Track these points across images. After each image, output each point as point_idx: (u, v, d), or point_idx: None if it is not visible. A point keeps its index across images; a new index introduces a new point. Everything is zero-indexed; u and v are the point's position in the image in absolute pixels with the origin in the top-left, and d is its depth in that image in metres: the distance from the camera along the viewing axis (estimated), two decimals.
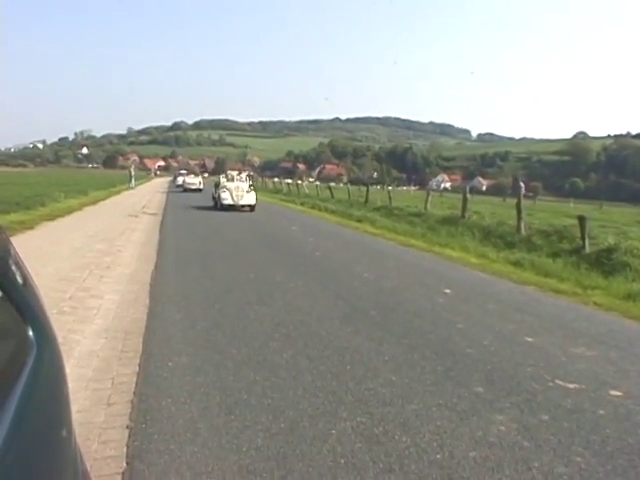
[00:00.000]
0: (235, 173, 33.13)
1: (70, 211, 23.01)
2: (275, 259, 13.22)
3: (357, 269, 11.88)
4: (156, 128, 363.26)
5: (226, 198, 28.86)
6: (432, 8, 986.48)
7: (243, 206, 28.76)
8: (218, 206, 29.13)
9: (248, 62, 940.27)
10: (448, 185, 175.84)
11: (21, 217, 17.58)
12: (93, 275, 9.98)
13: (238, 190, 29.27)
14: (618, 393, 5.30)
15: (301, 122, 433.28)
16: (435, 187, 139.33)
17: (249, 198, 29.31)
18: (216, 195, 30.67)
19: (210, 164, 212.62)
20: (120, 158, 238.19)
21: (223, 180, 31.48)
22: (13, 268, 1.56)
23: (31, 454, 1.26)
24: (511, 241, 16.37)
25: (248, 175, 34.74)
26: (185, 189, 54.68)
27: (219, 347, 6.19)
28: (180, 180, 63.67)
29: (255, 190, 31.26)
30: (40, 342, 1.54)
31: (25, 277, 1.63)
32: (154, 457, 3.76)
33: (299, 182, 65.00)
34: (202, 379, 5.21)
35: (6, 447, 1.12)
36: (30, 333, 1.51)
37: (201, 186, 55.50)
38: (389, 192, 33.74)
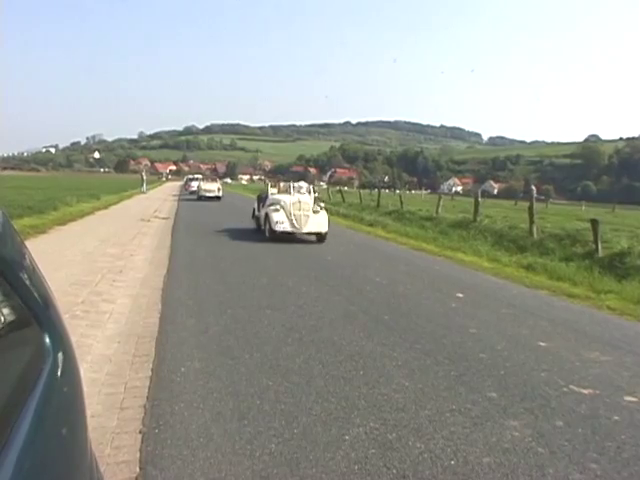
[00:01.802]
0: (291, 183, 21.01)
1: (82, 215, 23.08)
2: (285, 263, 13.21)
3: (369, 273, 11.86)
4: (167, 132, 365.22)
5: (281, 221, 17.53)
6: (442, 12, 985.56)
7: (309, 234, 17.81)
8: (267, 232, 18.05)
9: (259, 66, 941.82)
10: (459, 189, 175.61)
11: (34, 221, 17.64)
12: (105, 279, 10.00)
13: (299, 208, 17.78)
14: (633, 399, 5.25)
15: (312, 126, 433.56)
16: (446, 191, 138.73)
17: (318, 222, 17.76)
18: (261, 214, 19.53)
19: (221, 168, 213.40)
20: (131, 162, 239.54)
21: (273, 191, 20.53)
22: (28, 271, 1.56)
23: (49, 460, 1.26)
24: (523, 245, 16.31)
25: (311, 186, 22.28)
26: (200, 197, 45.39)
27: (232, 352, 6.19)
28: (194, 186, 55.02)
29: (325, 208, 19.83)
30: (56, 349, 1.54)
31: (41, 282, 1.64)
32: (167, 462, 3.75)
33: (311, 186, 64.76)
34: (215, 384, 5.20)
35: (24, 454, 1.12)
36: (47, 340, 1.52)
37: (220, 193, 47.27)
38: (400, 196, 33.68)
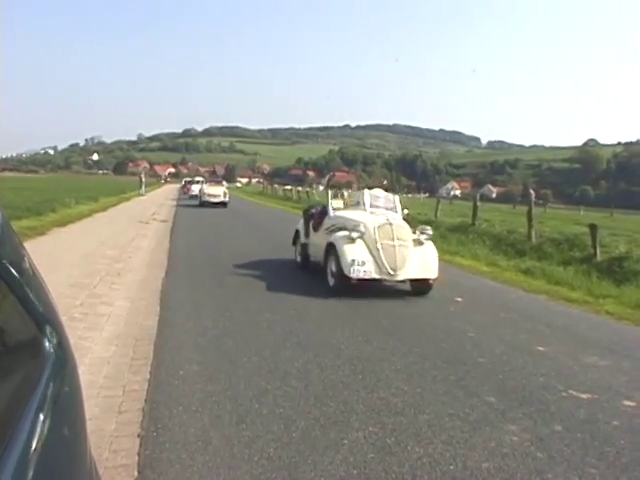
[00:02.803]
0: (365, 192, 12.27)
1: (81, 217, 23.05)
2: (284, 266, 13.18)
3: None
4: (166, 134, 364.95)
5: (360, 261, 9.87)
6: (443, 16, 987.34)
7: (413, 282, 10.39)
8: (331, 278, 10.30)
9: (257, 69, 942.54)
10: (458, 193, 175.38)
11: (32, 223, 17.61)
12: (104, 281, 10.00)
13: (391, 237, 10.11)
14: (632, 404, 5.25)
15: (311, 129, 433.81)
16: (445, 195, 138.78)
17: (423, 261, 10.26)
18: (314, 242, 12.31)
19: (220, 171, 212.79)
20: (130, 164, 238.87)
21: (336, 204, 12.54)
22: (27, 273, 1.55)
23: (49, 463, 1.25)
24: (522, 249, 16.29)
25: (396, 196, 13.18)
26: (203, 202, 38.90)
27: (230, 355, 6.18)
28: (195, 189, 49.02)
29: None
30: (54, 350, 1.54)
31: (39, 284, 1.63)
32: (165, 466, 3.74)
33: (308, 189, 64.36)
34: (213, 387, 5.20)
35: (25, 456, 1.12)
36: (45, 341, 1.51)
37: (226, 198, 39.78)
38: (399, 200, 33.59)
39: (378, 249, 9.82)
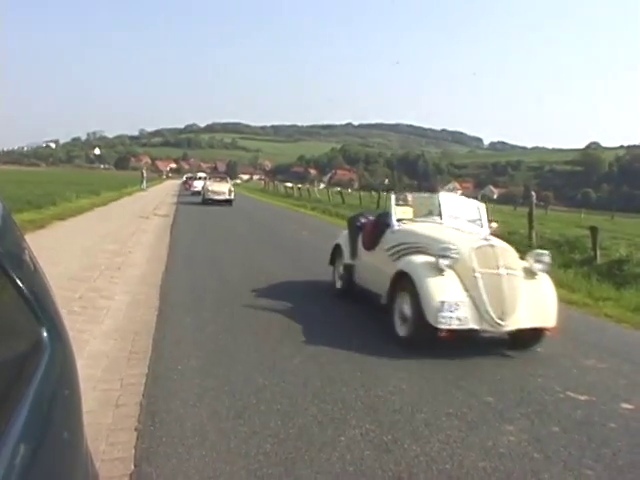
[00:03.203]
0: (441, 194, 9.21)
1: (81, 211, 23.06)
2: (284, 264, 13.18)
3: None
4: (168, 130, 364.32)
5: (454, 303, 6.38)
6: (443, 17, 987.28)
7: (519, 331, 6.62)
8: (408, 325, 6.73)
9: (261, 66, 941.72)
10: (459, 193, 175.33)
11: (33, 216, 17.61)
12: (103, 275, 10.00)
13: (495, 265, 6.69)
14: (630, 406, 5.25)
15: (313, 127, 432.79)
16: None
17: (536, 302, 6.80)
18: (382, 267, 7.89)
19: (222, 167, 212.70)
20: (132, 159, 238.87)
21: (402, 213, 8.55)
22: (27, 265, 1.55)
23: (44, 454, 1.25)
24: (522, 250, 16.25)
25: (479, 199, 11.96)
26: (206, 200, 35.91)
27: (228, 351, 6.18)
28: (198, 185, 47.16)
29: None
30: (53, 343, 1.54)
31: (39, 274, 1.63)
32: (162, 460, 3.75)
33: (309, 187, 64.23)
34: (211, 382, 5.20)
35: (19, 448, 1.12)
36: (43, 331, 1.51)
37: (232, 196, 36.89)
38: None
39: (478, 285, 6.57)
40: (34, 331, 1.49)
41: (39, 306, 1.52)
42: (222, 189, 37.19)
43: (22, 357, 1.41)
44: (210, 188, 37.34)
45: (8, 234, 1.52)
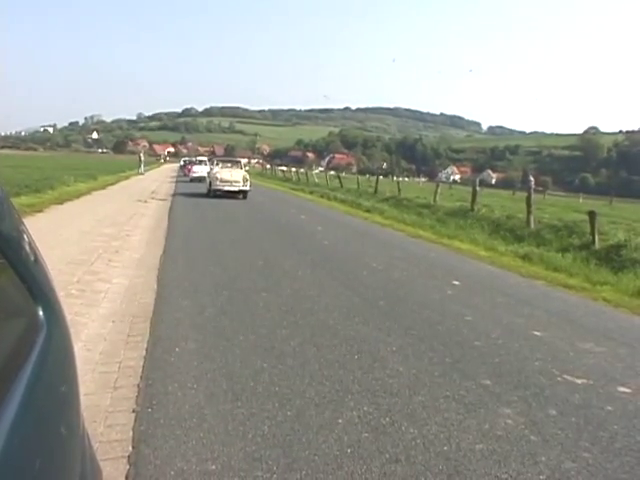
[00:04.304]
0: None
1: (79, 195, 23.04)
2: (283, 247, 13.20)
3: (365, 259, 11.85)
4: (166, 114, 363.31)
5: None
6: (443, 4, 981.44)
7: None
8: None
9: (259, 49, 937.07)
10: (457, 177, 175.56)
11: (31, 200, 17.58)
12: (101, 259, 9.99)
13: None
14: (627, 390, 5.26)
15: (311, 111, 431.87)
16: (444, 179, 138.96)
17: None
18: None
19: (219, 151, 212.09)
20: (130, 143, 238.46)
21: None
22: (26, 248, 1.54)
23: (40, 434, 1.24)
24: (520, 235, 16.30)
25: None
26: (214, 191, 27.90)
27: (226, 334, 6.18)
28: (199, 171, 41.92)
29: None
30: (50, 322, 1.53)
31: (37, 257, 1.62)
32: (160, 442, 3.75)
33: (309, 171, 64.15)
34: (209, 365, 5.20)
35: (15, 427, 1.11)
36: (40, 313, 1.50)
37: (247, 186, 28.42)
38: (398, 183, 33.64)
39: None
40: (30, 309, 1.48)
41: (36, 288, 1.51)
42: (235, 177, 28.23)
43: (18, 335, 1.40)
44: (219, 176, 28.12)
45: (7, 216, 1.51)
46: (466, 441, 3.99)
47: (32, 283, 1.48)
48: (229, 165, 31.20)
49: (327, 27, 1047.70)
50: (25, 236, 1.59)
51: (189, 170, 47.74)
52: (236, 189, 27.84)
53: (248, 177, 28.80)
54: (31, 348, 1.36)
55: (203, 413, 4.20)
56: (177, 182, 42.21)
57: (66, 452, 1.45)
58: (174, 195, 28.27)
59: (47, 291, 1.62)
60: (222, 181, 27.86)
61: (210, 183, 28.94)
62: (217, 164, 31.44)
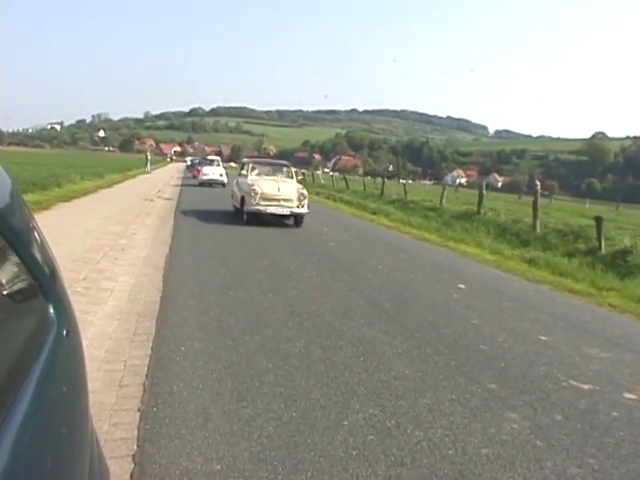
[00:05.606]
0: None
1: (85, 193, 23.06)
2: (289, 248, 13.20)
3: (371, 261, 11.84)
4: (173, 113, 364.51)
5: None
6: (451, 4, 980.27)
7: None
8: None
9: (267, 50, 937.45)
10: (464, 181, 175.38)
11: (37, 197, 17.61)
12: (107, 257, 9.99)
13: None
14: (633, 396, 5.24)
15: (318, 112, 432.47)
16: (450, 182, 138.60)
17: None
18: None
19: (226, 151, 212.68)
20: (136, 142, 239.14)
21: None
22: (36, 244, 1.54)
23: (50, 432, 1.24)
24: (526, 239, 16.28)
25: None
26: (251, 213, 17.30)
27: (232, 334, 6.17)
28: (210, 173, 37.36)
29: None
30: (60, 320, 1.53)
31: (47, 255, 1.62)
32: (165, 441, 3.74)
33: (313, 172, 64.23)
34: (214, 365, 5.19)
35: (26, 422, 1.10)
36: (51, 311, 1.50)
37: (304, 208, 17.71)
38: (404, 185, 33.64)
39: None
40: (41, 306, 1.48)
41: (46, 282, 1.51)
42: (286, 192, 17.64)
43: (29, 331, 1.40)
44: (261, 190, 17.26)
45: (17, 211, 1.50)
46: (471, 445, 3.98)
47: (43, 281, 1.48)
48: (270, 171, 20.11)
49: (335, 29, 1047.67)
50: (36, 233, 1.59)
51: (199, 172, 40.37)
52: (287, 212, 17.61)
53: (305, 192, 18.28)
54: (41, 346, 1.36)
55: (208, 413, 4.19)
56: (182, 186, 36.32)
57: (75, 450, 1.45)
58: (180, 195, 28.18)
59: (58, 289, 1.62)
60: (266, 199, 17.29)
61: (243, 199, 18.06)
62: (253, 169, 19.64)
